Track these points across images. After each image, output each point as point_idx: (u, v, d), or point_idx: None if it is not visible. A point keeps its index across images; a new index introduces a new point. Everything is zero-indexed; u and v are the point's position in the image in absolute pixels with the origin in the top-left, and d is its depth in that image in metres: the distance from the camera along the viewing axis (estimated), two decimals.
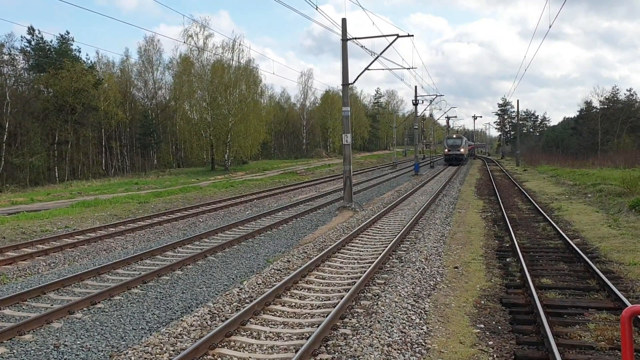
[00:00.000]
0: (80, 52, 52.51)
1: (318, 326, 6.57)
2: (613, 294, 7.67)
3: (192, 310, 7.93)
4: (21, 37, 62.13)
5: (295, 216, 17.61)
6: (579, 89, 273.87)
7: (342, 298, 7.71)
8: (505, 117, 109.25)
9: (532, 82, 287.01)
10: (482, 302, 7.93)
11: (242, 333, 6.71)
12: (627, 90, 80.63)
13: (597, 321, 6.87)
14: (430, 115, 75.74)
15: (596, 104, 75.03)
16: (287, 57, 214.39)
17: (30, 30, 48.28)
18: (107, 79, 55.49)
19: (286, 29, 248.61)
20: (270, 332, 6.74)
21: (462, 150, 53.25)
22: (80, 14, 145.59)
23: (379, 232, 14.21)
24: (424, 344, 6.22)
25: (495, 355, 5.96)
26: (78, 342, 6.72)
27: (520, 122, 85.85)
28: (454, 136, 57.37)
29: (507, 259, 10.64)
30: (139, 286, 9.23)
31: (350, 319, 7.08)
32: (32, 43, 49.00)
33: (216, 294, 8.84)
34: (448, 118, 70.50)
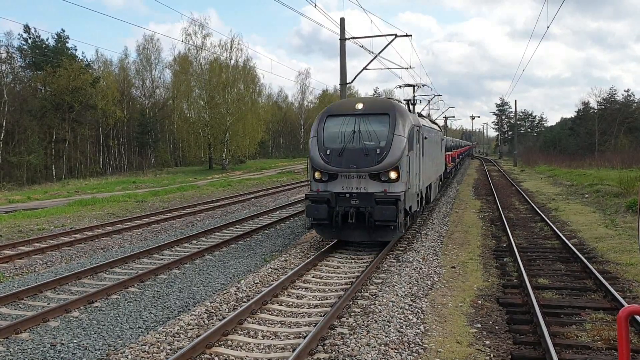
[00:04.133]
0: (76, 50, 52.45)
1: (315, 325, 6.58)
2: (610, 294, 7.69)
3: (189, 309, 7.93)
4: (19, 34, 62.11)
5: (292, 215, 17.60)
6: (572, 89, 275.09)
7: (339, 297, 7.72)
8: (503, 117, 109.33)
9: (525, 82, 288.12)
10: (479, 301, 7.94)
11: (240, 332, 6.70)
12: (624, 91, 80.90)
13: (593, 321, 6.89)
14: (428, 114, 75.31)
15: (594, 104, 75.22)
16: (277, 55, 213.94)
17: (27, 29, 48.21)
18: (105, 77, 55.35)
19: (275, 27, 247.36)
20: (268, 331, 6.75)
21: (392, 174, 10.40)
22: (70, 11, 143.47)
23: None
24: (421, 343, 6.23)
25: (492, 355, 5.97)
26: (75, 341, 6.71)
27: (518, 122, 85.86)
28: (360, 106, 10.71)
29: (505, 259, 10.66)
30: (136, 285, 9.21)
31: (347, 319, 7.09)
32: (29, 41, 48.89)
33: (213, 293, 8.83)
34: (446, 118, 69.29)
